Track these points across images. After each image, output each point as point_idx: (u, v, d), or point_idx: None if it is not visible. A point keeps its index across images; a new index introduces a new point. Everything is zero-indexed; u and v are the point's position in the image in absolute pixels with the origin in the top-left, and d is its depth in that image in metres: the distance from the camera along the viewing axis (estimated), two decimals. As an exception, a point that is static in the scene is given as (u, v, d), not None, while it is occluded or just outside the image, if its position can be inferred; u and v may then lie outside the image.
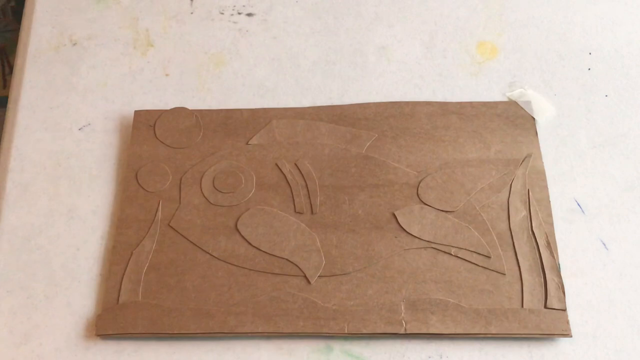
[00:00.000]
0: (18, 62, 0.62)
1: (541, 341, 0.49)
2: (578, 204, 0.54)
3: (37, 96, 0.60)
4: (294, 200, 0.54)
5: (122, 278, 0.51)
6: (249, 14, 0.64)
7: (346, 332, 0.49)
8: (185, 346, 0.50)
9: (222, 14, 0.64)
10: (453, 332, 0.49)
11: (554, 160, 0.56)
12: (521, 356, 0.49)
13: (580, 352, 0.48)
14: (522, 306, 0.50)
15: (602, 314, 0.50)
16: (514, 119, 0.57)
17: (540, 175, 0.55)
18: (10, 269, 0.53)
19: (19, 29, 0.64)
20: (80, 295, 0.52)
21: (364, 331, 0.49)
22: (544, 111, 0.58)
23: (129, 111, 0.59)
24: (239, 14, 0.64)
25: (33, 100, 0.60)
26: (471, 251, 0.52)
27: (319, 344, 0.50)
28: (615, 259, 0.52)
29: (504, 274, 0.51)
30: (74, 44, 0.63)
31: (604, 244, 0.53)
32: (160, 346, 0.50)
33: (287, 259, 0.52)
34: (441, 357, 0.49)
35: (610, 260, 0.52)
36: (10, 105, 0.60)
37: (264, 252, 0.52)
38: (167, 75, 0.61)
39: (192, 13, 0.65)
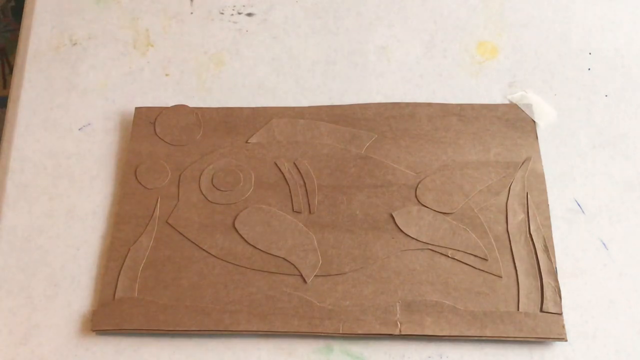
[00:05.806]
0: (18, 62, 0.62)
1: (541, 342, 0.49)
2: (578, 204, 0.54)
3: (37, 96, 0.60)
4: (292, 199, 0.54)
5: (119, 274, 0.52)
6: (249, 14, 0.64)
7: (341, 332, 0.49)
8: (184, 345, 0.50)
9: (222, 14, 0.64)
10: (448, 334, 0.49)
11: (553, 161, 0.56)
12: (521, 357, 0.49)
13: (580, 353, 0.48)
14: (518, 309, 0.49)
15: (602, 314, 0.50)
16: (514, 121, 0.57)
17: (540, 178, 0.54)
18: (10, 269, 0.53)
19: (19, 29, 0.64)
20: (80, 295, 0.52)
21: (359, 331, 0.49)
22: (545, 115, 0.58)
23: (129, 111, 0.59)
24: (239, 14, 0.64)
25: (33, 100, 0.60)
26: (468, 253, 0.52)
27: (319, 344, 0.50)
28: (615, 259, 0.52)
29: (501, 277, 0.51)
30: (74, 44, 0.63)
31: (604, 244, 0.52)
32: (160, 345, 0.50)
33: (283, 258, 0.52)
34: (441, 357, 0.49)
35: (610, 260, 0.52)
36: (10, 105, 0.60)
37: (261, 250, 0.52)
38: (167, 75, 0.61)
39: (192, 13, 0.65)
